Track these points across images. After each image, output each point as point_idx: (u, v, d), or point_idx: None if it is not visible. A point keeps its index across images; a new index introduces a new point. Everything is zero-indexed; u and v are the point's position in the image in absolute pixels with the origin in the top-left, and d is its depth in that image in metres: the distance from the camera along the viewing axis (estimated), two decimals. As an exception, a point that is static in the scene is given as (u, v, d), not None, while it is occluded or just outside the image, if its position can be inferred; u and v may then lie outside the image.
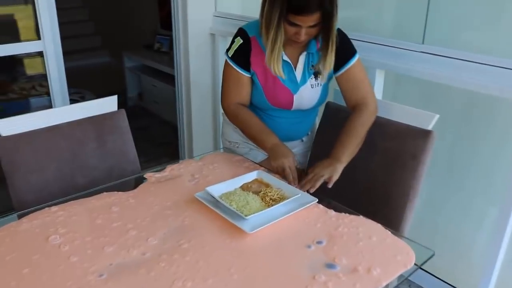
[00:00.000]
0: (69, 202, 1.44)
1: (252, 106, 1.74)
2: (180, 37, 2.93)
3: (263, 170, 1.57)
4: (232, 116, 1.72)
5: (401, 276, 1.14)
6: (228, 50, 1.68)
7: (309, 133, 1.90)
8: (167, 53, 4.45)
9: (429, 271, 2.24)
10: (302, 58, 1.65)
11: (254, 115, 1.67)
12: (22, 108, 3.36)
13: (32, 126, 1.61)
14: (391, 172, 1.60)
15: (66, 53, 6.02)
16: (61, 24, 6.11)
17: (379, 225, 1.30)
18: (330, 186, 1.46)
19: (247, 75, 1.66)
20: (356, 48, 1.67)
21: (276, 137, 1.60)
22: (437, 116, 1.57)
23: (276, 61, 1.56)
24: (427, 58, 1.88)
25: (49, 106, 2.56)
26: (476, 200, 2.04)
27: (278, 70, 1.59)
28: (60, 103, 2.54)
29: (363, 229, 1.28)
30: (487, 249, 1.89)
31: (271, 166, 1.56)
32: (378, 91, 2.11)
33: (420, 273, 2.25)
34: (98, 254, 1.18)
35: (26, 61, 4.14)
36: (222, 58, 2.83)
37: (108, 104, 1.76)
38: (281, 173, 1.51)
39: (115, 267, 1.14)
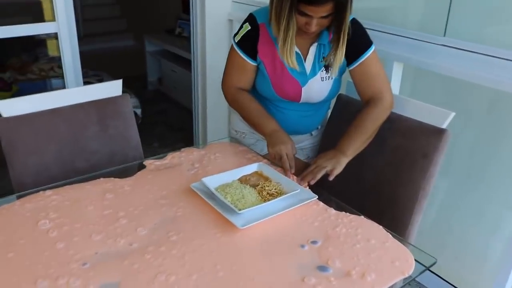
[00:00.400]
0: (64, 186, 1.41)
1: (259, 95, 1.67)
2: (197, 22, 2.87)
3: (266, 162, 1.51)
4: (231, 100, 1.66)
5: (408, 277, 1.07)
6: (235, 34, 1.61)
7: (319, 127, 1.82)
8: (188, 38, 4.41)
9: (439, 275, 2.15)
10: (312, 49, 1.56)
11: (255, 100, 1.61)
12: (38, 88, 3.36)
13: (34, 108, 1.58)
14: (400, 171, 1.52)
15: (90, 35, 6.06)
16: (86, 6, 6.11)
17: (380, 227, 1.23)
18: (331, 178, 1.39)
19: (252, 63, 1.59)
20: (372, 39, 1.57)
21: (276, 123, 1.54)
22: (453, 114, 1.48)
23: (289, 52, 1.48)
24: (448, 52, 1.78)
25: (63, 88, 2.55)
26: (493, 204, 1.95)
27: (292, 62, 1.51)
28: (73, 85, 2.52)
29: (363, 230, 1.21)
30: (503, 255, 1.80)
31: (268, 153, 1.50)
32: (395, 85, 2.02)
33: (430, 277, 2.16)
34: (84, 242, 1.15)
35: (48, 42, 4.17)
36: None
37: (113, 88, 1.72)
38: (278, 161, 1.46)
39: (100, 256, 1.10)
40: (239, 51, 1.59)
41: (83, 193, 1.37)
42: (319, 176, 1.38)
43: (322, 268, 1.06)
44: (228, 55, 1.66)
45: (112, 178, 1.45)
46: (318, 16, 1.39)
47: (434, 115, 1.51)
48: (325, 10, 1.37)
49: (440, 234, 2.15)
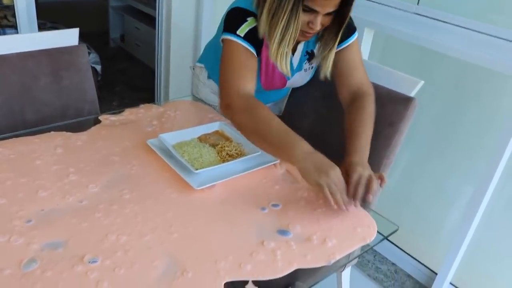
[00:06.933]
0: (11, 139, 1.31)
1: None
2: (163, -25, 2.74)
3: (228, 122, 1.44)
4: (241, 109, 1.24)
5: (366, 245, 1.04)
6: (233, 29, 1.32)
7: None
8: (154, -6, 4.24)
9: (396, 243, 2.18)
10: (300, 47, 1.44)
11: (272, 113, 1.25)
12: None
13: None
14: (365, 138, 1.48)
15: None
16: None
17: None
18: (371, 199, 1.13)
19: (257, 58, 1.36)
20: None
21: (307, 143, 1.17)
22: (422, 82, 1.44)
23: (284, 56, 1.29)
24: (420, 21, 1.75)
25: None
26: (453, 177, 1.96)
27: (286, 67, 1.32)
28: (27, 35, 2.36)
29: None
30: (457, 228, 1.82)
31: (309, 182, 1.12)
32: (365, 52, 1.98)
33: (386, 244, 2.18)
34: (30, 198, 1.07)
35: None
36: (206, 2, 2.67)
37: (68, 37, 1.60)
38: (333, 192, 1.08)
39: (46, 213, 1.02)
40: (247, 46, 1.31)
41: (31, 147, 1.28)
42: (375, 185, 1.13)
43: (282, 232, 1.03)
44: (229, 52, 1.33)
45: (64, 132, 1.36)
46: (325, 11, 1.21)
47: (402, 83, 1.47)
48: (333, 4, 1.21)
49: (399, 204, 2.16)
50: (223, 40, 1.34)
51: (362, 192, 1.11)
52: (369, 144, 1.27)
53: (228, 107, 1.26)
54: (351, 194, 1.12)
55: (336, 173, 1.09)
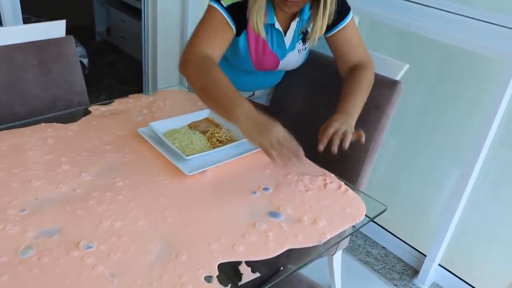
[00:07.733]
0: (1, 131, 1.32)
1: (228, 65, 1.53)
2: (148, -34, 2.73)
3: None
4: (195, 65, 1.25)
5: (353, 227, 1.07)
6: None
7: None
8: (138, -14, 4.21)
9: (386, 227, 2.21)
10: (293, 25, 1.45)
11: (226, 76, 1.23)
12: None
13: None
14: (353, 122, 1.51)
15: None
16: None
17: (332, 175, 1.23)
18: (347, 146, 1.20)
19: (234, 35, 1.37)
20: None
21: (250, 104, 1.15)
22: (407, 65, 1.47)
23: (257, 15, 1.30)
24: (405, 6, 1.77)
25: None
26: (440, 161, 1.99)
27: (259, 27, 1.33)
28: (12, 28, 2.35)
29: (314, 177, 1.19)
30: (445, 211, 1.86)
31: (254, 144, 1.12)
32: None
33: (376, 229, 2.22)
34: (23, 188, 1.08)
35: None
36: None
37: (55, 28, 1.60)
38: (278, 150, 1.08)
39: (40, 202, 1.04)
40: (226, 16, 1.32)
41: (22, 139, 1.28)
42: (349, 139, 1.20)
43: (274, 214, 1.05)
44: (206, 17, 1.35)
45: (55, 124, 1.37)
46: None
47: (388, 67, 1.50)
48: None
49: (388, 188, 2.19)
50: (208, 5, 1.36)
51: (338, 141, 1.19)
52: (359, 106, 1.34)
53: (185, 61, 1.27)
54: (323, 143, 1.20)
55: (277, 130, 1.08)
